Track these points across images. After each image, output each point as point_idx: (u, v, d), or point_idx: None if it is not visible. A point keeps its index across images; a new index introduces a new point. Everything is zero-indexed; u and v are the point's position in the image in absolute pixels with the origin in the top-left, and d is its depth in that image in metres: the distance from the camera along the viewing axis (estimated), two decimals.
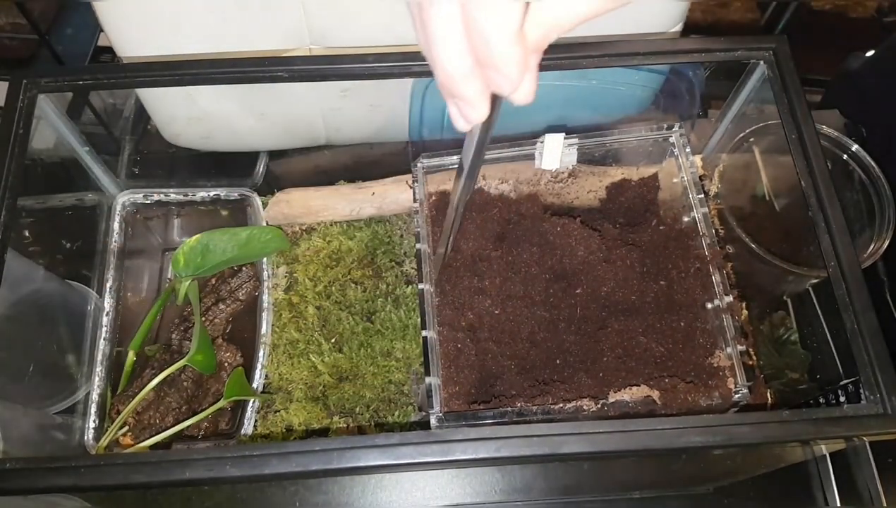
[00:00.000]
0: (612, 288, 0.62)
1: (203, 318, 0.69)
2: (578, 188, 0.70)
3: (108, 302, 0.71)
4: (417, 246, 0.62)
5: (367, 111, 0.77)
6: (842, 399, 0.57)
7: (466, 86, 0.36)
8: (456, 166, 0.66)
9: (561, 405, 0.55)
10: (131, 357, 0.68)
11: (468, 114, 0.38)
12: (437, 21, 0.33)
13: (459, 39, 0.34)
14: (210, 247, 0.69)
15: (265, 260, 0.73)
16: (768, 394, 0.66)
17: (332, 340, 0.70)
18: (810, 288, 0.68)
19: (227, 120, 0.75)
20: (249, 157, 0.82)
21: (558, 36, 0.35)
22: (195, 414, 0.65)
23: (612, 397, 0.55)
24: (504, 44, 0.33)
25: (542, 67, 0.59)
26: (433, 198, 0.68)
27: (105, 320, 0.70)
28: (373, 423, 0.66)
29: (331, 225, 0.76)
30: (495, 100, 0.38)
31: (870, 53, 0.80)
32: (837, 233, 0.50)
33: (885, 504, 0.55)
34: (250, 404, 0.66)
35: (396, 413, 0.67)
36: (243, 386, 0.64)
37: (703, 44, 0.58)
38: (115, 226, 0.74)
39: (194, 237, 0.69)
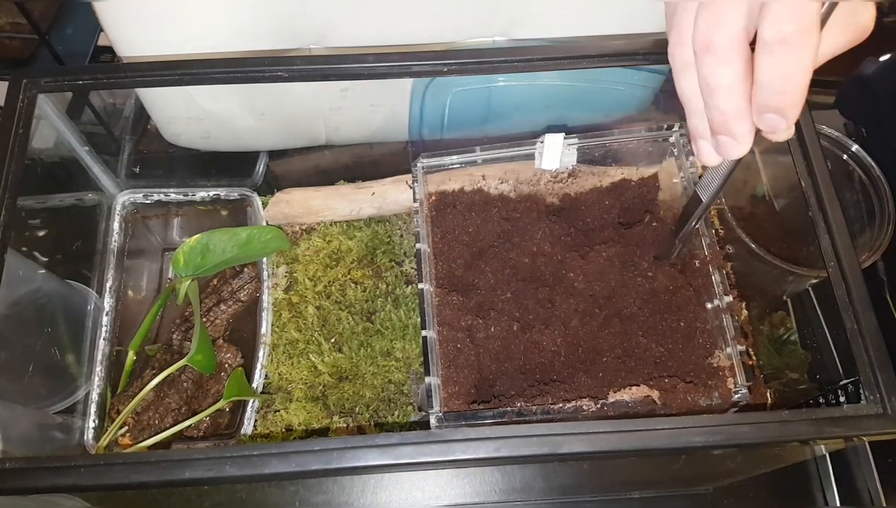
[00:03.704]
0: (611, 288, 0.62)
1: (204, 319, 0.69)
2: (578, 188, 0.70)
3: (108, 302, 0.71)
4: (417, 245, 0.62)
5: (367, 111, 0.77)
6: (841, 399, 0.57)
7: (740, 124, 0.37)
8: (456, 166, 0.67)
9: (561, 405, 0.55)
10: (131, 357, 0.68)
11: (730, 151, 0.39)
12: (724, 69, 0.35)
13: (744, 84, 0.35)
14: (210, 246, 0.69)
15: (265, 260, 0.73)
16: (768, 394, 0.66)
17: (332, 340, 0.70)
18: (810, 288, 0.68)
19: (227, 120, 0.75)
20: (249, 157, 0.82)
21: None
22: (195, 414, 0.65)
23: (612, 397, 0.55)
24: (799, 92, 0.35)
25: (543, 67, 0.59)
26: (433, 197, 0.68)
27: (105, 320, 0.70)
28: (372, 423, 0.66)
29: (331, 225, 0.76)
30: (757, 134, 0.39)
31: (884, 58, 0.80)
32: (837, 233, 0.50)
33: (884, 504, 0.55)
34: (250, 404, 0.66)
35: (396, 413, 0.67)
36: (243, 387, 0.64)
37: None
38: (115, 225, 0.74)
39: (194, 237, 0.69)
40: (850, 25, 0.35)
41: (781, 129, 0.36)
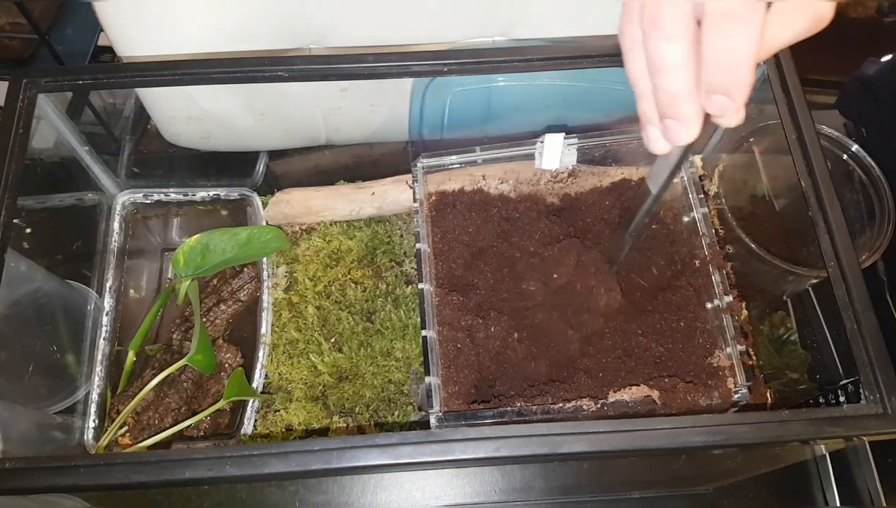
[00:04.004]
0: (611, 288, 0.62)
1: (204, 319, 0.69)
2: (578, 188, 0.70)
3: (108, 302, 0.71)
4: (417, 245, 0.62)
5: (367, 111, 0.77)
6: (841, 399, 0.57)
7: (686, 107, 0.36)
8: (456, 166, 0.66)
9: (561, 405, 0.55)
10: (131, 357, 0.68)
11: (678, 136, 0.38)
12: (669, 45, 0.34)
13: (690, 63, 0.34)
14: (210, 246, 0.69)
15: (265, 260, 0.73)
16: (768, 394, 0.66)
17: (332, 340, 0.70)
18: (810, 288, 0.68)
19: (227, 120, 0.75)
20: (249, 157, 0.82)
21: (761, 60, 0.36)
22: (195, 414, 0.65)
23: (612, 397, 0.55)
24: (745, 70, 0.34)
25: (543, 67, 0.59)
26: (433, 197, 0.68)
27: (105, 320, 0.70)
28: (372, 423, 0.66)
29: (331, 224, 0.76)
30: (706, 120, 0.37)
31: (885, 58, 0.80)
32: (837, 233, 0.50)
33: (884, 504, 0.55)
34: (250, 404, 0.66)
35: (396, 412, 0.67)
36: (243, 387, 0.64)
37: None
38: (115, 225, 0.75)
39: (194, 237, 0.69)
40: (807, 13, 0.35)
41: (730, 112, 0.36)
